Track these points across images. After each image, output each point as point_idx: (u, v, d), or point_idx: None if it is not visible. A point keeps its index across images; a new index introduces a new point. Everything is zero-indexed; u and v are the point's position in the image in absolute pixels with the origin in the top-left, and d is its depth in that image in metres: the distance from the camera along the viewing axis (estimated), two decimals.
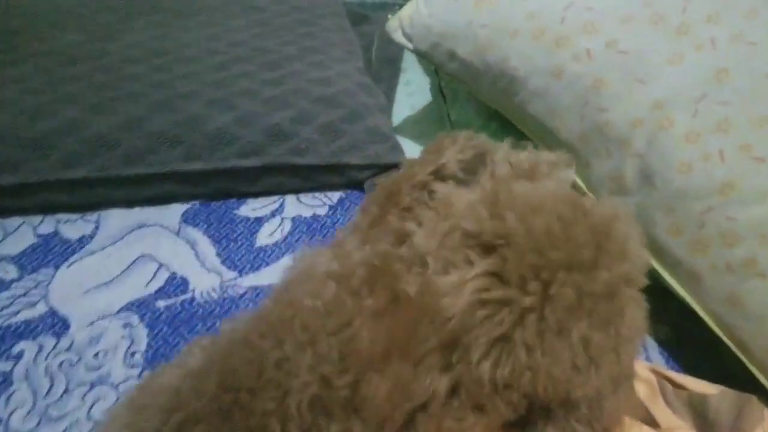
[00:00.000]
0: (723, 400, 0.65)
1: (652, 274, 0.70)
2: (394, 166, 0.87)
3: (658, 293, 0.61)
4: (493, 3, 0.71)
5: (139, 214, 0.84)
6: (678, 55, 0.63)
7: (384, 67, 1.06)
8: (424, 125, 0.96)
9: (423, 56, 0.80)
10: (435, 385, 0.40)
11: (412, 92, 1.02)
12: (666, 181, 0.64)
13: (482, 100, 0.80)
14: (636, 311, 0.44)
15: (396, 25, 0.80)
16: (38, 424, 0.61)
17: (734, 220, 0.61)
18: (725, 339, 0.66)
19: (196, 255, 0.80)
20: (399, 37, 0.80)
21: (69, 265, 0.76)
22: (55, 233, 0.80)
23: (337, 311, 0.46)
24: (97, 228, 0.82)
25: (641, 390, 0.66)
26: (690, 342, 0.76)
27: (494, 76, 0.72)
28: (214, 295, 0.75)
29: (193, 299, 0.74)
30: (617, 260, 0.42)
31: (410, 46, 0.79)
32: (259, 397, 0.44)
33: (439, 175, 0.57)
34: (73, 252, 0.78)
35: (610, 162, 0.68)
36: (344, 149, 0.86)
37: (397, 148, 0.89)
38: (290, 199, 0.88)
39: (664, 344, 0.77)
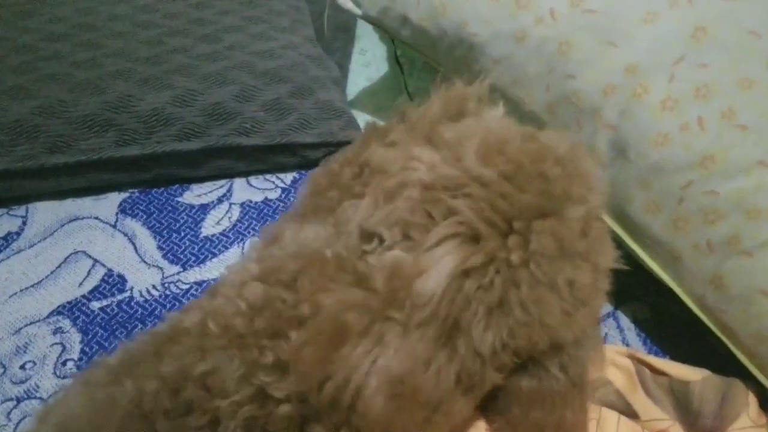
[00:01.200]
0: (706, 386, 0.61)
1: (628, 252, 0.66)
2: (350, 143, 0.81)
3: (633, 270, 0.56)
4: None
5: (71, 205, 0.76)
6: (652, 12, 0.57)
7: (337, 35, 0.98)
8: (381, 97, 0.89)
9: (373, 23, 0.73)
10: (444, 383, 0.37)
11: (368, 62, 0.95)
12: (641, 154, 0.59)
13: (440, 68, 0.73)
14: (606, 241, 0.44)
15: None
16: None
17: (716, 195, 0.56)
18: (709, 323, 0.62)
19: (135, 249, 0.73)
20: (346, 3, 0.73)
21: None
22: None
23: (267, 311, 0.41)
24: (24, 223, 0.74)
25: (618, 378, 0.62)
26: (669, 321, 0.72)
27: (451, 43, 0.66)
28: (155, 293, 0.69)
29: (131, 299, 0.68)
30: (587, 194, 0.41)
31: (359, 12, 0.72)
32: (180, 426, 0.39)
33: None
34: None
35: (581, 134, 0.62)
36: (294, 127, 0.79)
37: (352, 124, 0.82)
38: (239, 183, 0.81)
39: (641, 325, 0.73)
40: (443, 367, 0.37)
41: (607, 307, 0.74)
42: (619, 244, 0.55)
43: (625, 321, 0.72)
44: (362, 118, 0.85)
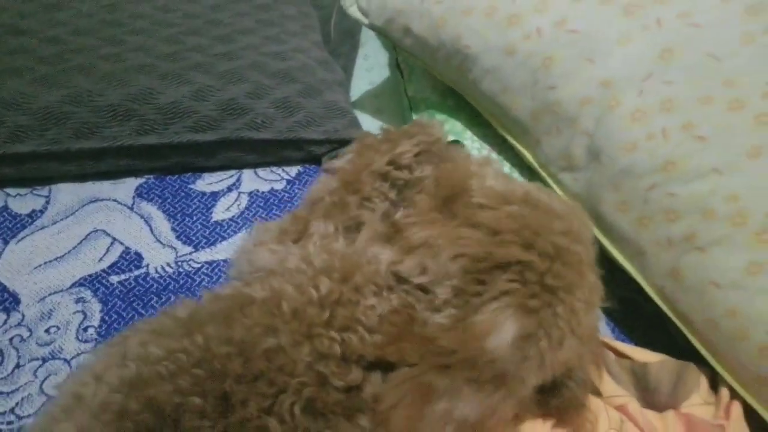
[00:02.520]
0: (663, 367, 0.68)
1: (599, 248, 0.73)
2: (353, 140, 0.88)
3: (604, 266, 0.64)
4: None
5: (91, 188, 0.82)
6: (626, 34, 0.65)
7: (342, 40, 1.05)
8: (382, 100, 0.96)
9: (378, 32, 0.80)
10: (504, 420, 0.47)
11: (371, 67, 1.02)
12: (612, 159, 0.66)
13: (438, 76, 0.80)
14: (591, 275, 0.54)
15: (351, 1, 0.80)
16: None
17: (676, 196, 0.64)
18: (668, 312, 0.69)
19: (151, 230, 0.79)
20: (354, 12, 0.80)
21: (18, 241, 0.75)
22: (5, 207, 0.78)
23: (339, 308, 0.48)
24: (47, 202, 0.80)
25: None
26: (635, 313, 0.80)
27: (448, 53, 0.73)
28: (169, 270, 0.75)
29: (147, 274, 0.74)
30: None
31: (366, 21, 0.79)
32: (248, 391, 0.45)
33: (396, 165, 0.60)
34: (24, 227, 0.77)
35: (560, 139, 0.70)
36: (301, 124, 0.85)
37: (355, 123, 0.89)
38: (247, 173, 0.88)
39: (611, 315, 0.80)
40: (506, 410, 0.47)
41: None
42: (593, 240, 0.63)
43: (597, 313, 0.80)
44: (364, 118, 0.91)
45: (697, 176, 0.62)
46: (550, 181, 0.74)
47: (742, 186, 0.61)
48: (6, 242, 0.75)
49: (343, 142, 0.87)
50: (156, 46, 0.86)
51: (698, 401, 0.66)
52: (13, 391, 0.62)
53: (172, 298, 0.72)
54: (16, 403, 0.61)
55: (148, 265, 0.75)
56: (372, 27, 0.80)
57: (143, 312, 0.70)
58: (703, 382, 0.68)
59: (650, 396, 0.67)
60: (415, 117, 0.87)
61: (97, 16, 0.90)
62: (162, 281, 0.74)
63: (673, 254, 0.65)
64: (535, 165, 0.74)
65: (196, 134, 0.82)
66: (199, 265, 0.75)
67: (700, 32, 0.63)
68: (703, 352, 0.67)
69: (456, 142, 0.79)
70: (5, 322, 0.67)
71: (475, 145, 0.80)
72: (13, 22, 0.86)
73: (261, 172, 0.88)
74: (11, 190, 0.80)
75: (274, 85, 0.85)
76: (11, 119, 0.76)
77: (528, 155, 0.75)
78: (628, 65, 0.64)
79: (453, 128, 0.81)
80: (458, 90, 0.79)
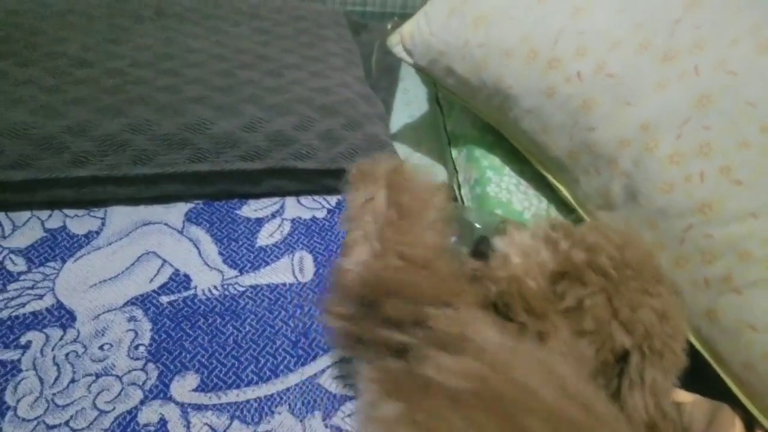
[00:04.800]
0: (696, 408, 0.69)
1: None
2: None
3: None
4: (490, 24, 0.74)
5: (144, 211, 0.87)
6: (664, 80, 0.67)
7: (383, 75, 1.09)
8: (420, 133, 0.99)
9: (422, 71, 0.84)
10: None
11: (410, 101, 1.05)
12: (650, 199, 0.68)
13: (478, 114, 0.83)
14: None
15: (397, 40, 0.83)
16: (45, 411, 0.64)
17: (712, 238, 0.65)
18: (704, 352, 0.70)
19: (199, 253, 0.83)
20: (400, 52, 0.83)
21: (76, 260, 0.79)
22: (63, 228, 0.83)
23: None
24: (103, 224, 0.84)
25: None
26: None
27: (489, 93, 0.76)
28: (216, 293, 0.78)
29: (195, 296, 0.77)
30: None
31: (410, 60, 0.83)
32: None
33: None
34: (80, 247, 0.81)
35: (598, 179, 0.72)
36: (343, 155, 0.89)
37: (394, 155, 0.92)
38: (290, 201, 0.91)
39: None
40: None
41: None
42: None
43: None
44: (403, 150, 0.94)
45: (733, 219, 0.64)
46: (587, 218, 0.76)
47: None
48: (64, 261, 0.79)
49: None
50: (211, 79, 0.90)
51: None
52: (67, 405, 0.65)
53: (218, 320, 0.75)
54: (71, 416, 0.64)
55: (196, 287, 0.78)
56: (416, 66, 0.83)
57: (191, 332, 0.73)
58: (738, 425, 0.68)
59: None
60: (453, 151, 0.90)
61: (154, 49, 0.95)
62: (209, 303, 0.77)
63: (710, 295, 0.66)
64: (573, 202, 0.76)
65: (244, 163, 0.86)
66: (243, 289, 0.79)
67: (736, 80, 0.65)
68: (739, 394, 0.67)
69: None
70: (62, 338, 0.71)
71: (512, 181, 0.82)
72: (78, 55, 0.92)
73: (303, 200, 0.92)
74: (69, 212, 0.85)
75: (319, 118, 0.89)
76: (75, 145, 0.80)
77: (566, 192, 0.77)
78: (666, 110, 0.67)
79: (492, 164, 0.84)
80: (497, 127, 0.82)
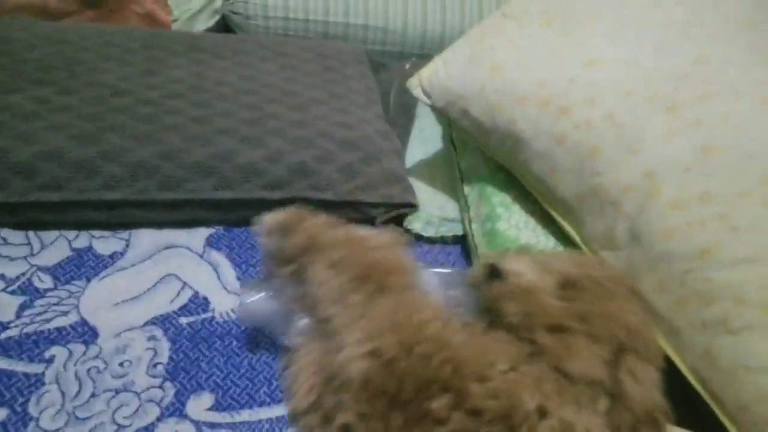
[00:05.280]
0: None
1: None
2: (407, 205, 0.95)
3: None
4: (505, 71, 0.79)
5: (167, 235, 0.90)
6: (669, 130, 0.71)
7: (400, 113, 1.14)
8: (435, 170, 1.03)
9: (439, 112, 0.88)
10: None
11: (425, 139, 1.10)
12: (651, 243, 0.71)
13: (490, 155, 0.87)
14: None
15: (416, 83, 0.88)
16: (66, 423, 0.67)
17: (711, 282, 0.68)
18: (701, 391, 0.71)
19: (218, 277, 0.86)
20: (419, 94, 0.88)
21: (100, 279, 0.83)
22: (89, 248, 0.87)
23: None
24: (127, 246, 0.88)
25: None
26: (670, 392, 0.82)
27: (502, 136, 0.80)
28: (233, 316, 0.81)
29: (213, 318, 0.81)
30: None
31: (428, 102, 0.87)
32: None
33: None
34: (105, 266, 0.85)
35: (603, 221, 0.75)
36: (361, 188, 0.93)
37: (409, 190, 0.96)
38: None
39: None
40: None
41: None
42: None
43: None
44: (417, 185, 0.99)
45: (731, 264, 0.67)
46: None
47: None
48: (89, 280, 0.83)
49: (397, 206, 0.94)
50: (238, 112, 0.95)
51: None
52: (87, 418, 0.68)
53: (234, 343, 0.78)
54: (90, 430, 0.67)
55: (214, 310, 0.82)
56: (433, 108, 0.88)
57: (207, 353, 0.76)
58: None
59: None
60: (466, 188, 0.94)
61: (186, 82, 1.00)
62: (226, 326, 0.80)
63: (707, 336, 0.69)
64: (579, 241, 0.80)
65: (266, 192, 0.90)
66: None
67: (738, 132, 0.69)
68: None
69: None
70: (84, 354, 0.74)
71: (522, 219, 0.86)
72: (116, 84, 0.97)
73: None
74: (96, 233, 0.89)
75: (339, 152, 0.93)
76: (107, 170, 0.85)
77: (572, 232, 0.80)
78: (670, 158, 0.70)
79: (503, 201, 0.87)
80: (508, 168, 0.85)
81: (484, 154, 0.93)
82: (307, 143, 0.93)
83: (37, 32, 1.07)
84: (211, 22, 1.36)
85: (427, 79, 0.85)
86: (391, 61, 1.31)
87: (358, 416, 0.58)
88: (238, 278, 0.86)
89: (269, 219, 0.74)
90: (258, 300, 0.74)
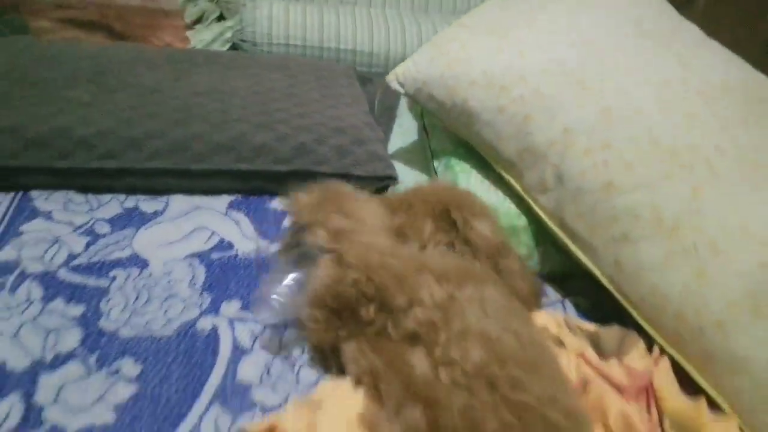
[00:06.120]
0: (610, 332, 0.91)
1: (572, 257, 0.99)
2: (389, 178, 1.18)
3: (579, 276, 0.92)
4: (459, 64, 1.04)
5: (197, 200, 1.12)
6: (579, 99, 0.96)
7: (383, 114, 1.39)
8: (411, 154, 1.28)
9: (411, 98, 1.13)
10: None
11: (404, 133, 1.35)
12: (571, 182, 0.94)
13: (452, 131, 1.12)
14: None
15: (393, 77, 1.14)
16: (129, 317, 0.87)
17: (614, 207, 0.91)
18: (614, 293, 0.93)
19: (240, 229, 1.08)
20: (395, 85, 1.13)
21: (147, 228, 1.04)
22: (136, 207, 1.08)
23: None
24: (166, 207, 1.10)
25: (553, 327, 0.94)
26: (598, 308, 1.04)
27: (459, 112, 1.05)
28: (251, 255, 1.03)
29: (236, 256, 1.02)
30: None
31: (402, 90, 1.12)
32: None
33: None
34: (149, 220, 1.06)
35: (536, 170, 0.99)
36: (351, 164, 1.16)
37: (390, 167, 1.19)
38: None
39: (580, 309, 1.04)
40: None
41: (558, 297, 1.07)
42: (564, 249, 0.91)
43: (570, 306, 1.05)
44: (397, 165, 1.22)
45: (628, 191, 0.90)
46: (531, 202, 1.02)
47: (658, 198, 0.88)
48: (137, 229, 1.04)
49: (381, 179, 1.18)
50: (250, 107, 1.19)
51: (636, 356, 0.89)
52: (145, 313, 0.87)
53: (253, 272, 0.99)
54: (147, 321, 0.87)
55: (237, 250, 1.03)
56: (406, 94, 1.13)
57: (234, 276, 0.97)
58: (641, 345, 0.90)
59: (600, 352, 0.90)
60: (435, 163, 1.18)
61: (207, 85, 1.25)
62: (246, 260, 1.01)
63: (615, 249, 0.91)
64: (520, 191, 1.03)
65: (275, 165, 1.13)
66: (271, 253, 1.03)
67: (628, 98, 0.94)
68: (640, 320, 0.90)
69: None
70: (139, 275, 0.95)
71: (479, 181, 1.10)
72: (150, 85, 1.21)
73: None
74: (141, 197, 1.11)
75: (333, 136, 1.17)
76: (150, 145, 1.08)
77: (516, 185, 1.03)
78: (581, 119, 0.95)
79: (463, 168, 1.11)
80: (466, 139, 1.10)
81: (449, 135, 1.17)
82: (307, 129, 1.17)
83: (83, 49, 1.32)
84: (223, 50, 1.63)
85: (402, 74, 1.11)
86: (376, 77, 1.57)
87: (312, 319, 0.81)
88: (255, 230, 1.08)
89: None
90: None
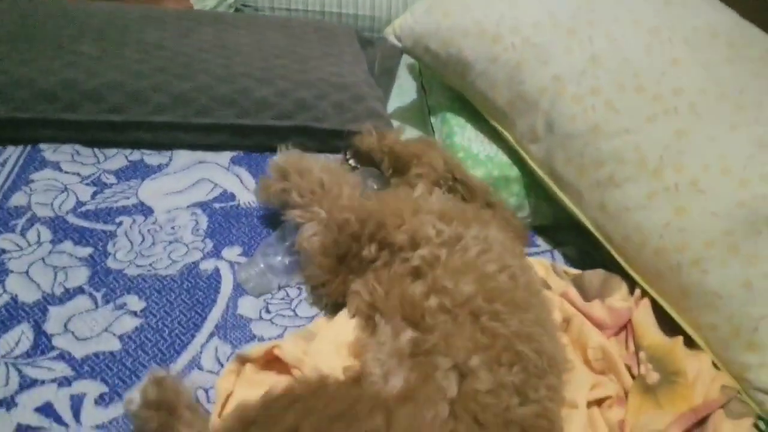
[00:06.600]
0: (594, 274, 0.95)
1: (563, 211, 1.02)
2: None
3: (567, 228, 0.95)
4: (453, 15, 1.06)
5: (200, 155, 1.16)
6: (569, 47, 0.98)
7: (383, 76, 1.42)
8: (409, 113, 1.31)
9: (407, 52, 1.16)
10: None
11: (403, 93, 1.37)
12: (561, 128, 0.97)
13: (447, 84, 1.15)
14: None
15: (390, 31, 1.16)
16: (135, 258, 0.92)
17: (600, 150, 0.93)
18: (598, 236, 0.96)
19: (241, 181, 1.12)
20: (392, 39, 1.16)
21: (152, 180, 1.08)
22: (141, 160, 1.12)
23: None
24: (170, 160, 1.14)
25: (541, 270, 0.97)
26: (585, 258, 1.07)
27: (454, 62, 1.07)
28: (252, 205, 1.06)
29: (238, 205, 1.06)
30: None
31: (399, 44, 1.15)
32: None
33: None
34: (154, 172, 1.10)
35: (527, 119, 1.01)
36: (350, 120, 1.19)
37: (388, 124, 1.22)
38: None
39: (568, 258, 1.08)
40: None
41: (548, 247, 1.10)
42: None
43: (558, 256, 1.08)
44: (395, 124, 1.25)
45: (613, 135, 0.92)
46: (522, 152, 1.04)
47: (643, 140, 0.90)
48: (143, 179, 1.08)
49: None
50: (253, 62, 1.22)
51: (618, 298, 0.92)
52: (150, 255, 0.93)
53: (254, 221, 1.03)
54: (152, 262, 0.92)
55: (238, 200, 1.07)
56: (403, 48, 1.15)
57: (235, 224, 1.01)
58: (624, 287, 0.94)
59: (584, 294, 0.93)
60: (432, 119, 1.21)
61: (212, 42, 1.28)
62: (247, 210, 1.05)
63: (600, 192, 0.94)
64: (513, 141, 1.05)
65: (276, 121, 1.16)
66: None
67: (616, 45, 0.96)
68: (622, 262, 0.93)
69: None
70: (144, 221, 0.99)
71: (473, 134, 1.12)
72: (157, 42, 1.24)
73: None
74: (145, 151, 1.14)
75: (333, 92, 1.20)
76: (156, 99, 1.11)
77: (508, 135, 1.06)
78: (570, 66, 0.97)
79: (459, 122, 1.14)
80: (461, 91, 1.12)
81: (445, 92, 1.20)
82: (308, 85, 1.19)
83: (92, 7, 1.35)
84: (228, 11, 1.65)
85: (399, 27, 1.13)
86: (377, 41, 1.59)
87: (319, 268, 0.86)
88: (255, 183, 1.11)
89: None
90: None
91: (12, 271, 0.86)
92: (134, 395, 0.69)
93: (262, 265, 0.91)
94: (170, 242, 0.96)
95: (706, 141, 0.86)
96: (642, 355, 0.82)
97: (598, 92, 0.95)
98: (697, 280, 0.83)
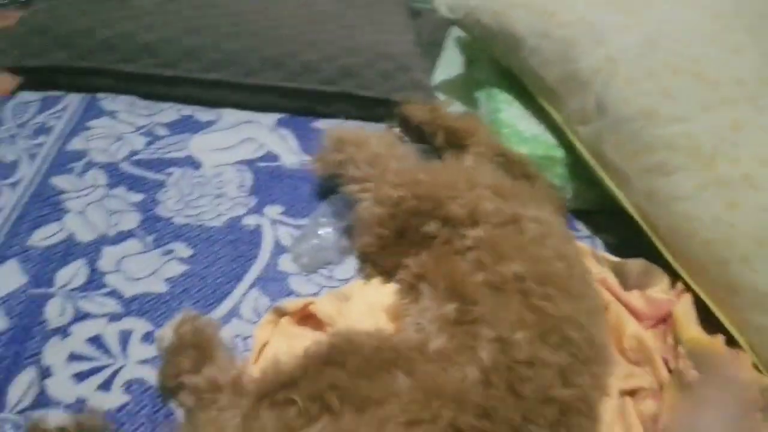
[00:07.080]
0: (635, 263, 0.94)
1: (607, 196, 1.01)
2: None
3: (609, 213, 0.96)
4: None
5: (247, 114, 1.18)
6: (624, 26, 0.97)
7: (430, 47, 1.41)
8: (454, 86, 1.30)
9: (458, 24, 1.15)
10: None
11: (449, 66, 1.36)
12: (613, 110, 0.95)
13: (497, 59, 1.14)
14: None
15: (442, 1, 1.16)
16: (183, 207, 0.95)
17: (653, 135, 0.92)
18: (642, 223, 0.95)
19: (285, 143, 1.14)
20: (443, 10, 1.15)
21: (202, 135, 1.11)
22: (191, 116, 1.15)
23: None
24: (219, 117, 1.16)
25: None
26: (626, 245, 1.06)
27: (505, 37, 1.07)
28: (295, 166, 1.08)
29: (282, 165, 1.08)
30: None
31: (450, 16, 1.15)
32: None
33: None
34: (203, 128, 1.13)
35: (578, 99, 1.00)
36: (394, 90, 1.19)
37: (432, 96, 1.22)
38: (350, 123, 1.21)
39: (608, 245, 1.07)
40: None
41: (588, 233, 1.10)
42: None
43: (598, 242, 1.08)
44: (441, 97, 1.26)
45: (667, 122, 0.90)
46: (570, 134, 1.04)
47: (697, 129, 0.89)
48: (193, 134, 1.11)
49: None
50: (300, 26, 1.22)
51: (658, 290, 0.91)
52: (197, 206, 0.96)
53: (297, 181, 1.05)
54: (198, 213, 0.95)
55: (283, 161, 1.09)
56: (455, 21, 1.15)
57: (279, 184, 1.03)
58: (665, 280, 0.92)
59: (623, 283, 0.92)
60: (477, 93, 1.21)
61: (262, 3, 1.29)
62: (291, 171, 1.07)
63: (649, 179, 0.92)
64: (561, 123, 1.05)
65: (321, 86, 1.17)
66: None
67: (673, 27, 0.94)
68: (665, 252, 0.92)
69: None
70: (193, 174, 1.02)
71: (519, 111, 1.12)
72: (207, 3, 1.26)
73: (359, 123, 1.22)
74: (196, 108, 1.17)
75: (379, 61, 1.19)
76: (207, 56, 1.13)
77: (556, 114, 1.05)
78: (625, 47, 0.95)
79: (506, 99, 1.13)
80: (510, 67, 1.12)
81: (493, 66, 1.19)
82: (354, 52, 1.19)
83: None
84: None
85: None
86: (425, 12, 1.59)
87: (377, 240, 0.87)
88: (299, 145, 1.13)
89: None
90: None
91: (70, 211, 0.89)
92: (165, 331, 0.71)
93: (315, 241, 0.92)
94: (216, 196, 0.99)
95: (764, 135, 0.85)
96: (681, 349, 0.81)
97: (652, 76, 0.93)
98: (746, 279, 0.81)
